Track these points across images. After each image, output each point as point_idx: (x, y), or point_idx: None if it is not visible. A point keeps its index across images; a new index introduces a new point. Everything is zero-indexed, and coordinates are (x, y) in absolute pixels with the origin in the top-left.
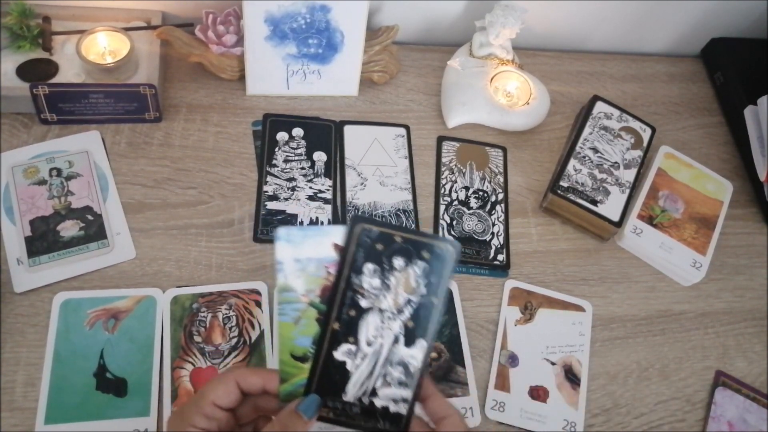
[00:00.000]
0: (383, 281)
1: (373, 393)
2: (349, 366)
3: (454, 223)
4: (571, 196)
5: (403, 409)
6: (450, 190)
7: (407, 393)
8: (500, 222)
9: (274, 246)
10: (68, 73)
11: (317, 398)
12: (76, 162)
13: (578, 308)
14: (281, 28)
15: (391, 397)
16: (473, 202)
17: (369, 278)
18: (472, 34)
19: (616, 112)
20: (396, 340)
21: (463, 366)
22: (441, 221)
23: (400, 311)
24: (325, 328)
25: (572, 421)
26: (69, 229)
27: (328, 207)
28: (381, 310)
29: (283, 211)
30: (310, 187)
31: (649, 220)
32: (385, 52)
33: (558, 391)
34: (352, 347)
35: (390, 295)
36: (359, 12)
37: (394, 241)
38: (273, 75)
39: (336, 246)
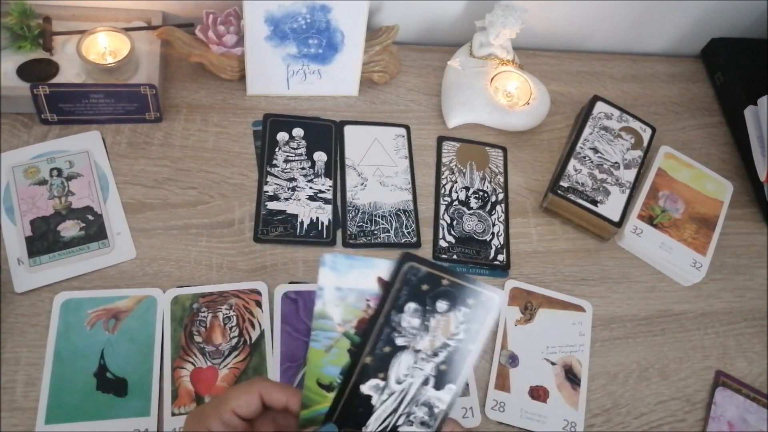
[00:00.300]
0: (423, 322)
1: (394, 430)
2: (374, 401)
3: (454, 223)
4: (571, 196)
5: None
6: (450, 190)
7: None
8: (500, 222)
9: (318, 271)
10: (68, 73)
11: (335, 428)
12: (76, 162)
13: (578, 308)
14: (281, 28)
15: None
16: (473, 202)
17: (409, 317)
18: (472, 34)
19: (616, 112)
20: (426, 382)
21: None
22: (441, 221)
23: (435, 354)
24: (357, 361)
25: (572, 421)
26: (69, 229)
27: (329, 207)
28: (416, 351)
29: (284, 211)
30: (311, 187)
31: (649, 220)
32: (385, 52)
33: (558, 391)
34: (381, 383)
35: (428, 336)
36: (359, 12)
37: (440, 284)
38: (273, 75)
39: (380, 280)
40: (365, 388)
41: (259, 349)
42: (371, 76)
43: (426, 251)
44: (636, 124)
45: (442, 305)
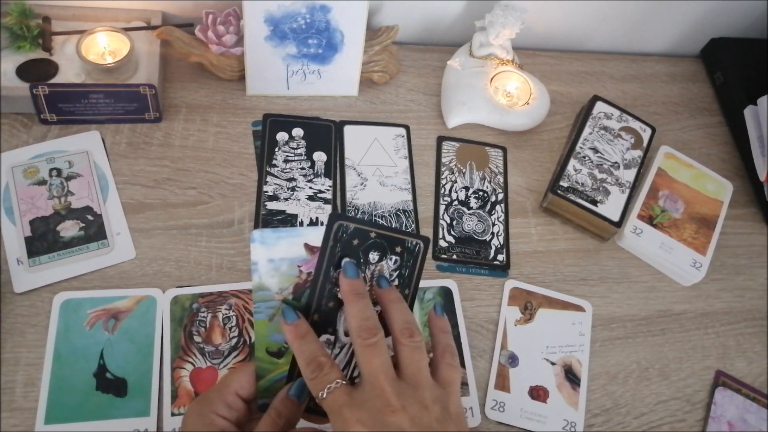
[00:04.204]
0: (359, 274)
1: (352, 380)
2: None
3: (454, 223)
4: (571, 196)
5: None
6: (450, 190)
7: None
8: (500, 222)
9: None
10: (68, 73)
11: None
12: (76, 162)
13: (578, 308)
14: (281, 28)
15: None
16: (473, 202)
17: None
18: (472, 34)
19: (616, 112)
20: None
21: (463, 366)
22: (441, 221)
23: (375, 302)
24: (306, 320)
25: (572, 421)
26: (69, 229)
27: (328, 207)
28: None
29: (283, 211)
30: (310, 187)
31: (649, 220)
32: (385, 52)
33: (558, 391)
34: (331, 337)
35: (366, 287)
36: (359, 12)
37: (369, 237)
38: (273, 75)
39: (307, 246)
40: None
41: None
42: (371, 76)
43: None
44: (636, 124)
45: (373, 256)
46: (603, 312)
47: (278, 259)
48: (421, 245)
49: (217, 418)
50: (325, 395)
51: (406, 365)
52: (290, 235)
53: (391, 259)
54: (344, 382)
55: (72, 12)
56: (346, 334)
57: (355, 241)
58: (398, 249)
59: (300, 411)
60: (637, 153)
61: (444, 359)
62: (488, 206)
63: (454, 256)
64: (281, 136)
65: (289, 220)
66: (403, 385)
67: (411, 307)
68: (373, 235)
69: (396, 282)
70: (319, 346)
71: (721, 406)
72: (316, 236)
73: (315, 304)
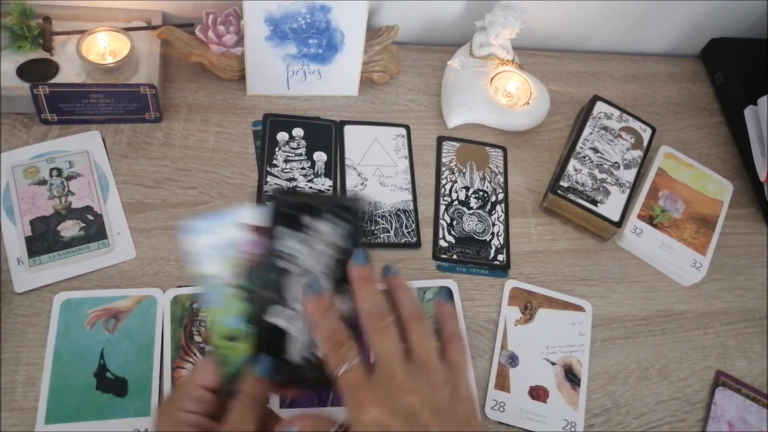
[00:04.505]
0: (301, 243)
1: (314, 346)
2: (285, 327)
3: (454, 223)
4: (571, 196)
5: None
6: (450, 190)
7: None
8: (500, 222)
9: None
10: (68, 73)
11: (268, 357)
12: (76, 162)
13: (578, 308)
14: (281, 28)
15: None
16: (473, 202)
17: (288, 243)
18: (472, 34)
19: (616, 112)
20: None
21: None
22: (441, 221)
23: (323, 270)
24: (256, 298)
25: (572, 421)
26: (69, 229)
27: None
28: (305, 269)
29: None
30: (311, 187)
31: (649, 220)
32: (385, 52)
33: (558, 391)
34: (286, 310)
35: (310, 253)
36: (359, 12)
37: (305, 206)
38: (273, 75)
39: (243, 226)
40: (273, 319)
41: None
42: (371, 76)
43: (426, 251)
44: (636, 124)
45: (312, 222)
46: (603, 312)
47: (216, 244)
48: (359, 202)
49: (186, 414)
50: (341, 372)
51: (416, 348)
52: (222, 219)
53: (333, 223)
54: (360, 362)
55: (72, 12)
56: (299, 304)
57: (293, 212)
58: (335, 210)
59: (268, 388)
60: (637, 153)
61: (452, 343)
62: (488, 206)
63: (455, 256)
64: (281, 136)
65: None
66: (414, 367)
67: None
68: (310, 204)
69: (341, 243)
70: (339, 322)
71: (721, 406)
72: (248, 216)
73: (264, 281)
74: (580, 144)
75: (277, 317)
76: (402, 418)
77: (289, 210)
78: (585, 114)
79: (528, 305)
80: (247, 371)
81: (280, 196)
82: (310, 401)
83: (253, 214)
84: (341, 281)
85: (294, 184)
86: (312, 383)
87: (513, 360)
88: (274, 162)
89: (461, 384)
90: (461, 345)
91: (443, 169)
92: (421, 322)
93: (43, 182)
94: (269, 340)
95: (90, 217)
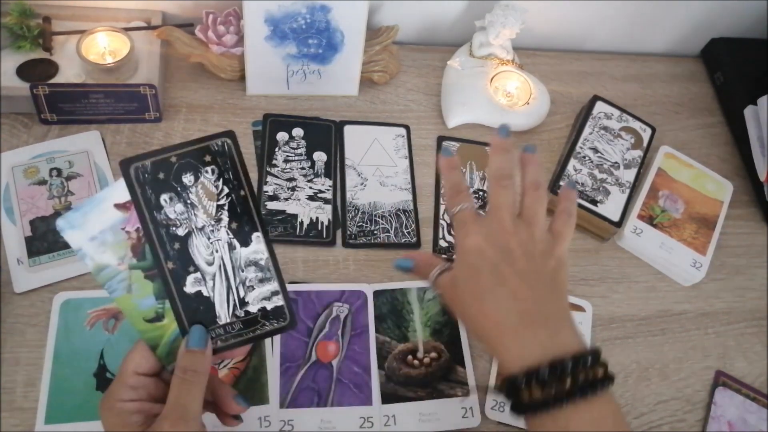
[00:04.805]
0: (185, 203)
1: (243, 303)
2: (205, 293)
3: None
4: None
5: (279, 300)
6: None
7: (273, 285)
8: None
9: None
10: (68, 73)
11: (199, 326)
12: (76, 162)
13: (578, 308)
14: (281, 28)
15: (261, 297)
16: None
17: (171, 207)
18: (472, 34)
19: (616, 112)
20: (232, 246)
21: (463, 366)
22: (441, 221)
23: (218, 220)
24: (163, 274)
25: None
26: None
27: (328, 207)
28: (201, 229)
29: (283, 211)
30: (310, 187)
31: (649, 220)
32: (385, 52)
33: None
34: (197, 275)
35: (199, 211)
36: (359, 12)
37: (171, 163)
38: (273, 75)
39: (118, 205)
40: (189, 288)
41: (259, 350)
42: (371, 76)
43: (426, 251)
44: (636, 124)
45: (188, 178)
46: (603, 312)
47: (98, 233)
48: (228, 141)
49: (125, 404)
50: (457, 211)
51: (527, 208)
52: (94, 205)
53: (206, 171)
54: (473, 207)
55: (72, 12)
56: (209, 264)
57: (161, 175)
58: (208, 158)
59: (206, 358)
60: (637, 153)
61: (561, 216)
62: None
63: (454, 256)
64: (281, 136)
65: (289, 221)
66: (520, 221)
67: (255, 203)
68: (173, 159)
69: (227, 190)
70: (462, 177)
71: (721, 406)
72: (120, 193)
73: (162, 254)
74: (580, 144)
75: (195, 285)
76: (497, 248)
77: (152, 174)
78: (585, 114)
79: None
80: (181, 347)
81: (133, 162)
82: (310, 401)
83: (121, 190)
84: (245, 231)
85: (294, 184)
86: (255, 337)
87: None
88: (274, 162)
89: (557, 248)
90: (569, 221)
91: None
92: (538, 191)
93: (42, 182)
94: (194, 310)
95: None
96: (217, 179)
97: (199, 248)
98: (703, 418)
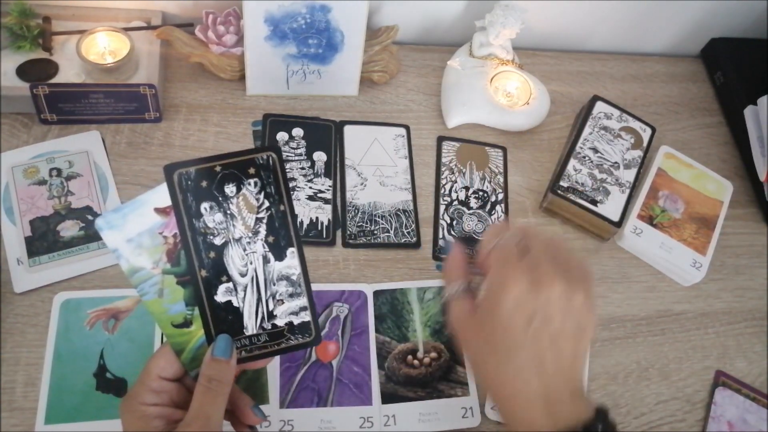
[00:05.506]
0: (225, 213)
1: (271, 316)
2: (235, 303)
3: (454, 223)
4: (571, 196)
5: (306, 316)
6: (450, 190)
7: (302, 301)
8: (500, 222)
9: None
10: (68, 73)
11: (225, 336)
12: (76, 162)
13: None
14: (281, 28)
15: (289, 311)
16: (473, 202)
17: (210, 216)
18: (472, 34)
19: (616, 112)
20: (267, 260)
21: (463, 366)
22: (441, 221)
23: (255, 233)
24: (196, 281)
25: None
26: (69, 229)
27: (328, 207)
28: (237, 240)
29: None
30: (310, 187)
31: (649, 220)
32: (385, 52)
33: None
34: (229, 285)
35: (238, 222)
36: (359, 12)
37: (215, 172)
38: (273, 75)
39: (158, 210)
40: (220, 297)
41: None
42: (371, 76)
43: (426, 251)
44: (636, 124)
45: (230, 189)
46: (603, 312)
47: (136, 235)
48: (273, 156)
49: (147, 408)
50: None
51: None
52: (135, 207)
53: (249, 183)
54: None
55: (72, 12)
56: (242, 275)
57: (204, 183)
58: (252, 171)
59: (230, 368)
60: (637, 153)
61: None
62: (488, 206)
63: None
64: (281, 136)
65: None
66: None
67: (293, 219)
68: (218, 168)
69: (267, 204)
70: (503, 228)
71: (721, 406)
72: (161, 197)
73: (197, 261)
74: (580, 144)
75: (226, 294)
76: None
77: (195, 182)
78: (585, 114)
79: None
80: (205, 354)
81: (178, 167)
82: (310, 401)
83: (163, 194)
84: (280, 246)
85: (294, 184)
86: (278, 351)
87: None
88: None
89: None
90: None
91: (443, 169)
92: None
93: (42, 182)
94: (222, 319)
95: (90, 217)
96: (259, 192)
97: (234, 259)
98: (703, 418)
